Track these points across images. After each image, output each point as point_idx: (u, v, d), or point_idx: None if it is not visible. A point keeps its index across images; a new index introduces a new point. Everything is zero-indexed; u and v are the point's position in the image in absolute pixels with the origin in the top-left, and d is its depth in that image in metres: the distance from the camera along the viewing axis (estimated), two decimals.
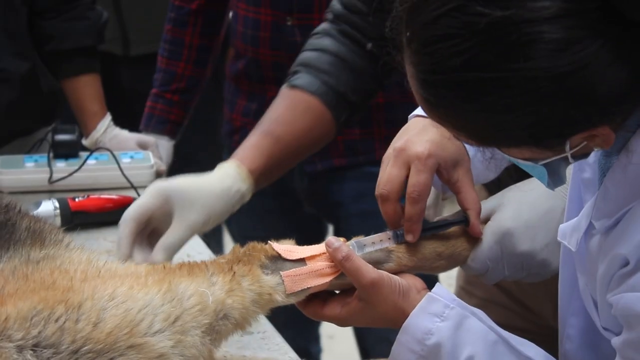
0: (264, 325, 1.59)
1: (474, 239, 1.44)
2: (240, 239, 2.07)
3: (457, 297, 1.37)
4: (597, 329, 1.29)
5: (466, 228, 1.44)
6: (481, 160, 1.42)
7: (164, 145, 2.65)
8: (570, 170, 1.30)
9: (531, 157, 1.17)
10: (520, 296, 1.81)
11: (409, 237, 1.41)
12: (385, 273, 1.35)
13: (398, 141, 1.45)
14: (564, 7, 1.05)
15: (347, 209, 2.58)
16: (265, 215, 2.56)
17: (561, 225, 1.32)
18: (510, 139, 1.14)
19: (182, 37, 2.73)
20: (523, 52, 1.06)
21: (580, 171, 1.29)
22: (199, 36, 2.73)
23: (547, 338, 1.62)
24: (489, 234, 1.44)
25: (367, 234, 1.43)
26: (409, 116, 1.52)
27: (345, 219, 2.58)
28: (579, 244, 1.27)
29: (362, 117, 2.49)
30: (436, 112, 1.16)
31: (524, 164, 1.19)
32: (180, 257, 1.83)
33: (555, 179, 1.20)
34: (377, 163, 2.52)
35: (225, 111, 2.74)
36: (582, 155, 1.17)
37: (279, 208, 2.67)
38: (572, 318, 1.38)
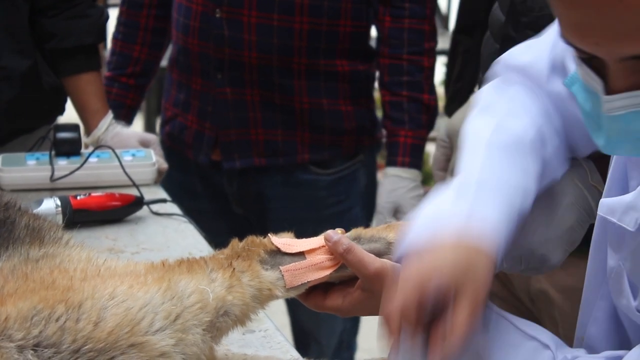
0: (265, 324, 1.58)
1: None
2: None
3: None
4: (618, 315, 1.26)
5: None
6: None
7: None
8: None
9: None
10: (505, 278, 1.81)
11: None
12: (388, 261, 1.34)
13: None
14: None
15: (275, 213, 2.56)
16: (198, 217, 2.55)
17: (604, 201, 1.25)
18: None
19: (137, 19, 2.67)
20: None
21: None
22: (154, 18, 2.67)
23: None
24: None
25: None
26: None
27: (273, 222, 2.56)
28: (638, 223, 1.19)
29: (286, 119, 2.48)
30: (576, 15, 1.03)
31: (590, 122, 1.12)
32: (180, 254, 1.82)
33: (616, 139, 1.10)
34: (301, 167, 2.53)
35: (162, 100, 2.70)
36: None
37: (212, 210, 2.65)
38: (601, 301, 1.32)
